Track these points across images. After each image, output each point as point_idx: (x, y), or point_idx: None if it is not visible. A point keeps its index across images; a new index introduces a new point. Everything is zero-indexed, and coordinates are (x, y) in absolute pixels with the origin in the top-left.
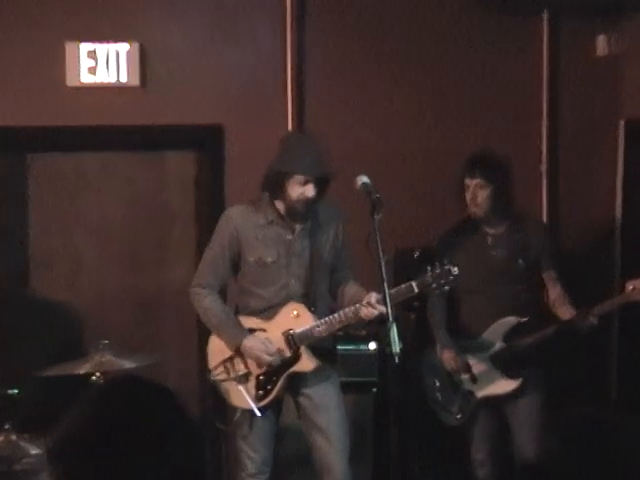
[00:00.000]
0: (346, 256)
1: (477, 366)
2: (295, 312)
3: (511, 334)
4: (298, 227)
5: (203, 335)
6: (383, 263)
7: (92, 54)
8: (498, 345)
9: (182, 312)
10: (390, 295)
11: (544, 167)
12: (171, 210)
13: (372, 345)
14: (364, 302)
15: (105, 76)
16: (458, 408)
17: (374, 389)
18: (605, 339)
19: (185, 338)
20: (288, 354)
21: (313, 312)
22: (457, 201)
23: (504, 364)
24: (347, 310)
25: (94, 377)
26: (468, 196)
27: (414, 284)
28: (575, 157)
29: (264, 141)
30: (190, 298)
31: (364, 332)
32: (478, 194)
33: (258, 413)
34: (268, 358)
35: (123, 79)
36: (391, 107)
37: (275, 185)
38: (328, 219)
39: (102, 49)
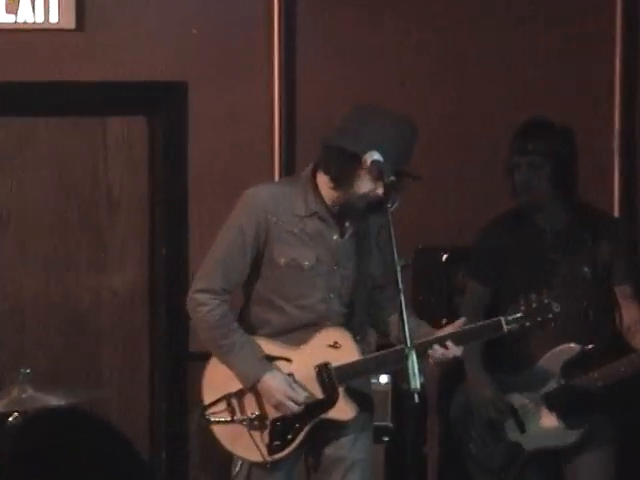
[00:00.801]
0: (394, 270)
1: (525, 410)
2: (334, 340)
3: (572, 367)
4: (348, 228)
5: (158, 360)
6: (399, 268)
7: None
8: (554, 382)
9: (127, 331)
10: (470, 332)
11: (617, 143)
12: (114, 194)
13: (384, 379)
14: (440, 334)
15: (29, 15)
16: (500, 465)
17: (386, 437)
18: None
19: (131, 365)
20: (320, 395)
21: (358, 342)
22: (503, 187)
23: (562, 407)
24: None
25: (11, 418)
26: (518, 179)
27: (504, 321)
28: None
29: (241, 103)
30: (189, 308)
31: None
32: (532, 175)
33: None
34: (294, 407)
35: (53, 19)
36: (407, 71)
37: (338, 168)
38: (377, 220)
39: None
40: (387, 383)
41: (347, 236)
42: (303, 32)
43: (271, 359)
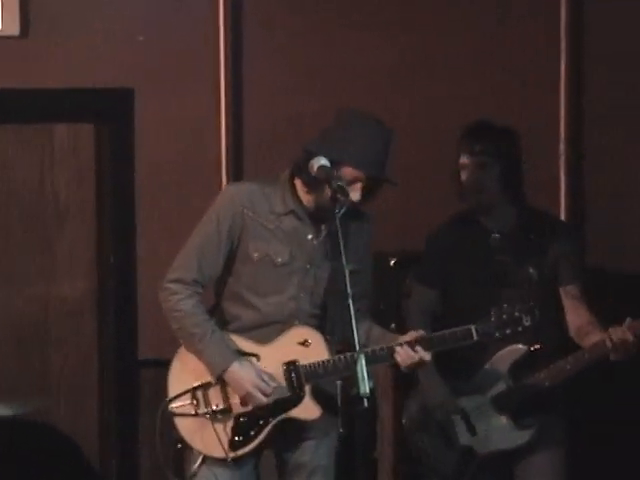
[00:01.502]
0: (367, 280)
1: (476, 413)
2: (304, 339)
3: (520, 368)
4: (325, 229)
5: (107, 368)
6: (347, 272)
7: None
8: (503, 383)
9: (76, 339)
10: (441, 338)
11: (563, 147)
12: (60, 203)
13: None
14: (402, 340)
15: None
16: (453, 470)
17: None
18: None
19: (81, 374)
20: (287, 393)
21: (328, 342)
22: (449, 189)
23: (511, 409)
24: (377, 349)
25: None
26: (467, 180)
27: (474, 330)
28: (607, 134)
29: (189, 110)
30: (161, 298)
31: None
32: (481, 176)
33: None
34: (262, 398)
35: None
36: (358, 69)
37: (309, 171)
38: (358, 227)
39: None
40: (337, 388)
41: (322, 238)
42: (250, 38)
43: (240, 354)
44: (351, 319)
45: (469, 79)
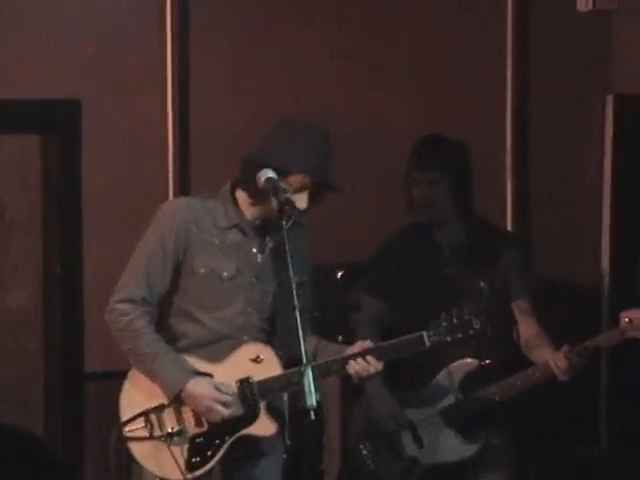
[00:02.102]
0: (309, 291)
1: (423, 425)
2: (256, 355)
3: (470, 382)
4: (268, 242)
5: (53, 380)
6: (294, 285)
7: None
8: (451, 397)
9: (22, 351)
10: (392, 346)
11: (509, 159)
12: (7, 213)
13: None
14: (352, 351)
15: None
16: None
17: (284, 455)
18: (592, 387)
19: (26, 385)
20: (242, 411)
21: (280, 357)
22: (398, 201)
23: (459, 422)
24: (330, 360)
25: None
26: (417, 195)
27: (426, 336)
28: (550, 146)
29: (136, 121)
30: (109, 320)
31: None
32: (432, 192)
33: None
34: (224, 411)
35: None
36: (309, 75)
37: (255, 183)
38: (297, 239)
39: None
40: (284, 400)
41: (267, 251)
42: (197, 46)
43: (194, 372)
44: (298, 331)
45: (417, 88)
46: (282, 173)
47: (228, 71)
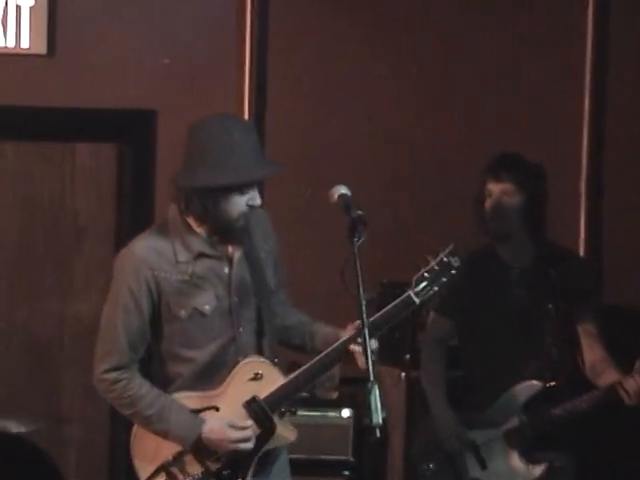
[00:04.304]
0: (282, 272)
1: (487, 447)
2: (254, 372)
3: (534, 404)
4: (235, 253)
5: None
6: (364, 302)
7: None
8: (516, 419)
9: (90, 358)
10: (384, 316)
11: (583, 185)
12: (80, 221)
13: (346, 412)
14: (350, 333)
15: (0, 39)
16: None
17: (347, 471)
18: None
19: (93, 393)
20: (258, 430)
21: (277, 365)
22: (468, 219)
23: (523, 444)
24: (330, 352)
25: None
26: (490, 206)
27: (413, 294)
28: (625, 172)
29: None
30: (101, 389)
31: (335, 394)
32: (504, 203)
33: None
34: (247, 446)
35: (25, 44)
36: (383, 98)
37: (202, 204)
38: (257, 227)
39: None
40: (349, 417)
41: (237, 263)
42: (274, 62)
43: (197, 412)
44: (367, 349)
45: (491, 112)
46: (221, 189)
47: (304, 84)
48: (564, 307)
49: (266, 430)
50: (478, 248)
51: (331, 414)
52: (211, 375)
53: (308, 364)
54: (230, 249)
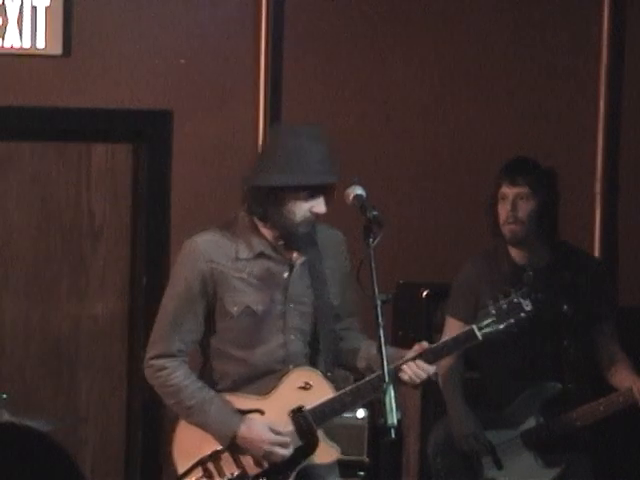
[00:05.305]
0: (351, 299)
1: (503, 447)
2: (304, 381)
3: (551, 406)
4: (297, 260)
5: (134, 390)
6: (379, 303)
7: (0, 9)
8: (533, 420)
9: (105, 359)
10: (445, 346)
11: (598, 186)
12: (96, 221)
13: (361, 413)
14: (410, 356)
15: (16, 40)
16: None
17: (362, 472)
18: None
19: (109, 393)
20: (300, 442)
21: (329, 379)
22: (484, 224)
23: (539, 446)
24: (382, 374)
25: None
26: (504, 210)
27: (476, 329)
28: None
29: (226, 132)
30: (147, 375)
31: None
32: (520, 206)
33: None
34: (283, 452)
35: (40, 45)
36: (401, 99)
37: (265, 204)
38: (330, 245)
39: (14, 2)
40: (364, 418)
41: (298, 270)
42: (290, 63)
43: (242, 414)
44: (382, 350)
45: (506, 114)
46: (286, 189)
47: (320, 85)
48: (580, 308)
49: (308, 443)
50: (491, 249)
51: (346, 415)
52: (258, 379)
53: (357, 383)
54: (294, 256)
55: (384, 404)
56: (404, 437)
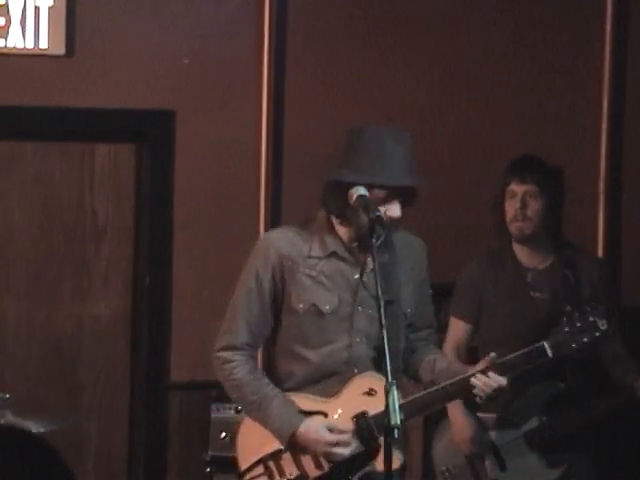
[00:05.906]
0: (429, 310)
1: (506, 447)
2: (369, 387)
3: (554, 405)
4: (370, 262)
5: (138, 389)
6: (382, 303)
7: (3, 9)
8: (536, 419)
9: (109, 359)
10: (514, 361)
11: (602, 185)
12: (99, 221)
13: None
14: (477, 368)
15: (19, 40)
16: None
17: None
18: None
19: (111, 395)
20: (361, 448)
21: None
22: (488, 223)
23: (543, 445)
24: (450, 383)
25: None
26: (513, 207)
27: (547, 346)
28: None
29: (229, 133)
30: (215, 367)
31: None
32: (529, 204)
33: None
34: (343, 452)
35: (43, 45)
36: (403, 99)
37: (342, 202)
38: (407, 252)
39: (17, 2)
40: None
41: (369, 272)
42: (293, 63)
43: (305, 415)
44: (385, 349)
45: (506, 114)
46: (367, 188)
47: (322, 86)
48: (582, 307)
49: (369, 449)
50: (495, 248)
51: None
52: (323, 380)
53: (422, 392)
54: (368, 259)
55: (387, 404)
56: (407, 437)
